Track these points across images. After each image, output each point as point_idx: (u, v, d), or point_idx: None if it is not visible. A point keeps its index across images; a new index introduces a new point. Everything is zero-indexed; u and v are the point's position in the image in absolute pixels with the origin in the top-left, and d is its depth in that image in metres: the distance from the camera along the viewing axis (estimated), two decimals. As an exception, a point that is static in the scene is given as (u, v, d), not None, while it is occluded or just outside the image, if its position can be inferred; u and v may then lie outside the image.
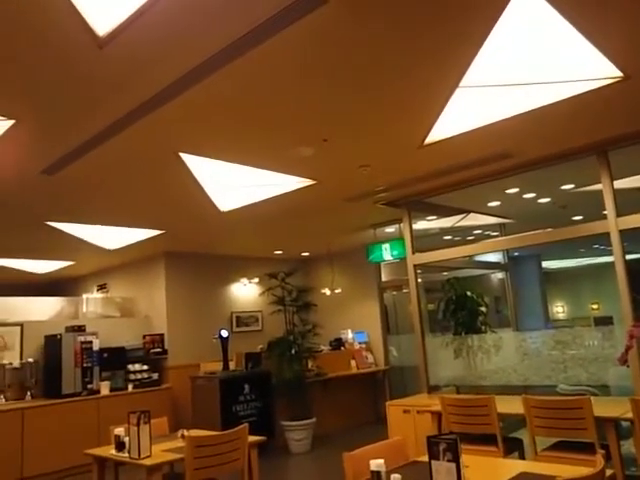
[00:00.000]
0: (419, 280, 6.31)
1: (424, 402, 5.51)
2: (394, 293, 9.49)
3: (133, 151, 4.34)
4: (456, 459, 2.16)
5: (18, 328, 7.35)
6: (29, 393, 7.07)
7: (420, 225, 7.09)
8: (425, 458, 3.04)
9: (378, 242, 7.91)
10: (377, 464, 2.47)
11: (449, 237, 8.53)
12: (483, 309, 6.66)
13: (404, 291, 9.16)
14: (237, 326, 9.17)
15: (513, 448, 4.45)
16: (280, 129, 4.09)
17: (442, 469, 2.20)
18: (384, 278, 9.36)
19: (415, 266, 6.21)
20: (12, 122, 3.64)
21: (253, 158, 4.72)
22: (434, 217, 7.35)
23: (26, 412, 6.64)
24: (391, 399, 6.66)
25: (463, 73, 3.37)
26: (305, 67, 3.19)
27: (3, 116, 3.56)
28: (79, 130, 3.84)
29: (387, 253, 7.76)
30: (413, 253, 6.24)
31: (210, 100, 3.52)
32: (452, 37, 2.97)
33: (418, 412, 5.40)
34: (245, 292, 9.47)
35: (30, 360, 7.22)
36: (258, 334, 9.16)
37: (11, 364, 7.08)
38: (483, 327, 6.57)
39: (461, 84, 3.52)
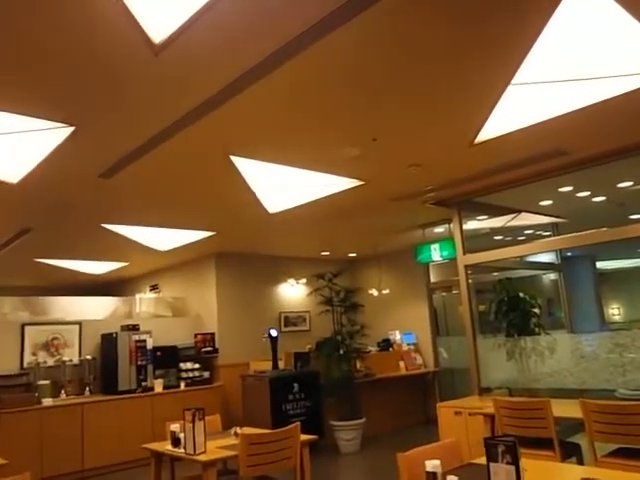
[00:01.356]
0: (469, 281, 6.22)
1: (476, 404, 5.42)
2: (443, 294, 9.37)
3: (185, 155, 4.44)
4: (515, 462, 2.12)
5: (77, 327, 7.64)
6: (87, 389, 7.35)
7: (470, 225, 6.99)
8: (481, 461, 3.02)
9: (427, 242, 7.84)
10: (433, 465, 2.45)
11: (499, 237, 8.37)
12: (536, 310, 6.49)
13: (454, 292, 9.04)
14: (285, 326, 9.25)
15: (571, 453, 4.33)
16: (330, 130, 4.12)
17: (501, 472, 2.16)
18: (433, 279, 9.25)
19: (466, 267, 6.12)
20: (72, 129, 3.79)
21: (302, 160, 4.76)
22: (484, 217, 7.23)
23: (85, 407, 6.90)
24: (441, 401, 6.58)
25: (516, 70, 3.31)
26: (355, 67, 3.20)
27: (64, 123, 3.72)
28: (134, 135, 3.96)
29: (436, 254, 7.67)
30: (464, 254, 6.15)
31: (260, 103, 3.57)
32: (505, 33, 2.92)
33: (470, 414, 5.32)
34: (293, 292, 9.55)
35: (88, 357, 7.49)
36: (306, 334, 9.22)
37: (71, 361, 7.37)
38: (536, 329, 6.42)
39: (513, 81, 3.46)
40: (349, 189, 5.51)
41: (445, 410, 5.66)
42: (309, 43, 2.84)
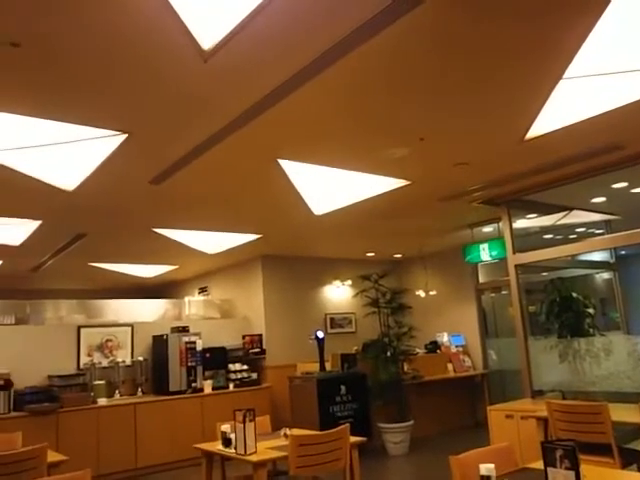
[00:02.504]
0: (519, 281, 6.08)
1: (528, 407, 5.30)
2: (492, 295, 9.19)
3: (233, 159, 4.51)
4: (575, 467, 2.05)
5: (129, 329, 7.85)
6: (140, 389, 7.54)
7: (519, 224, 6.83)
8: (535, 465, 2.95)
9: (476, 242, 7.70)
10: (487, 468, 2.40)
11: (549, 236, 8.15)
12: (591, 311, 6.30)
13: (503, 293, 8.85)
14: (331, 327, 9.25)
15: (630, 460, 4.17)
16: (376, 130, 4.10)
17: (559, 477, 2.10)
18: (481, 279, 9.09)
19: (516, 266, 5.99)
20: (125, 136, 3.90)
21: (349, 161, 4.76)
22: (534, 215, 7.06)
23: (138, 407, 7.08)
24: (490, 404, 6.45)
25: (568, 63, 3.22)
26: (402, 67, 3.17)
27: (117, 130, 3.83)
28: (184, 140, 4.05)
29: (485, 253, 7.53)
30: (514, 253, 6.02)
31: (308, 105, 3.59)
32: (556, 26, 2.84)
33: (522, 418, 5.20)
34: (338, 294, 9.55)
35: (140, 359, 7.68)
36: (352, 336, 9.20)
37: (124, 362, 7.58)
38: (590, 330, 6.22)
39: (565, 75, 3.36)
40: (395, 189, 5.48)
41: (496, 413, 5.55)
42: (356, 45, 2.84)
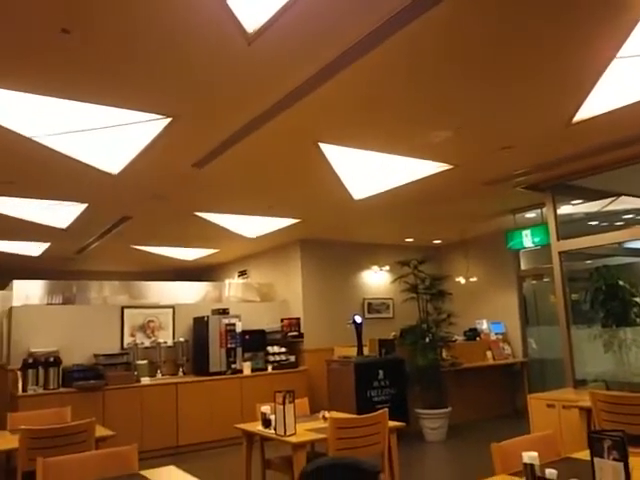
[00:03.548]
0: (562, 268, 5.95)
1: (570, 397, 5.20)
2: (534, 282, 9.01)
3: (275, 143, 4.52)
4: (624, 458, 2.01)
5: (170, 310, 8.02)
6: (181, 370, 7.71)
7: (563, 210, 6.66)
8: (579, 455, 2.90)
9: (518, 228, 7.55)
10: (530, 456, 2.37)
11: (595, 223, 7.92)
12: (638, 300, 6.11)
13: (544, 280, 8.68)
14: (368, 312, 9.25)
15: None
16: (420, 113, 4.04)
17: (607, 468, 2.06)
18: (523, 266, 8.91)
19: (560, 253, 5.85)
20: (169, 120, 3.95)
21: (392, 145, 4.71)
22: (579, 201, 6.86)
23: (179, 387, 7.26)
24: (530, 392, 6.36)
25: (622, 42, 3.10)
26: (447, 47, 3.11)
27: (162, 114, 3.88)
28: (227, 124, 4.07)
29: (528, 240, 7.38)
30: (558, 240, 5.88)
31: (349, 89, 3.56)
32: (610, 4, 2.73)
33: (564, 407, 5.11)
34: (376, 279, 9.52)
35: (181, 340, 7.85)
36: (389, 321, 9.18)
37: (165, 343, 7.75)
38: (638, 319, 6.04)
39: (619, 54, 3.24)
40: (437, 173, 5.40)
41: (536, 402, 5.46)
42: (402, 25, 2.79)
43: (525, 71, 3.41)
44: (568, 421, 4.95)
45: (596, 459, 2.12)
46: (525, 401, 5.59)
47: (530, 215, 7.55)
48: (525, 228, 7.48)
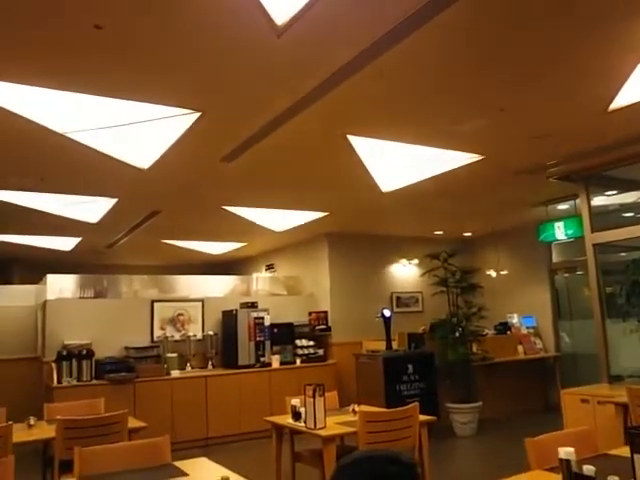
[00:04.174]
0: (595, 261, 5.81)
1: (605, 392, 5.10)
2: (566, 275, 8.83)
3: (302, 136, 4.50)
4: (667, 455, 1.95)
5: (199, 304, 8.09)
6: (210, 362, 7.78)
7: (597, 201, 6.51)
8: (617, 452, 2.83)
9: (550, 220, 7.40)
10: (567, 452, 2.32)
11: (630, 214, 7.71)
12: (677, 293, 5.94)
13: (577, 273, 8.50)
14: (397, 306, 9.19)
15: None
16: (451, 104, 3.98)
17: (649, 465, 2.00)
18: (555, 259, 8.74)
19: (594, 246, 5.72)
20: (199, 114, 3.96)
21: (421, 136, 4.66)
22: (614, 192, 6.70)
23: (209, 379, 7.33)
24: (562, 387, 6.25)
25: (663, 24, 2.99)
26: (480, 34, 3.05)
27: (191, 109, 3.89)
28: (255, 117, 4.07)
29: (560, 232, 7.23)
30: (592, 232, 5.75)
31: (379, 80, 3.52)
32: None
33: (599, 403, 5.00)
34: (405, 273, 9.46)
35: (210, 333, 7.91)
36: (418, 315, 9.12)
37: (195, 336, 7.83)
38: (676, 313, 5.87)
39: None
40: (467, 164, 5.32)
41: (570, 397, 5.36)
42: (432, 16, 2.74)
43: (559, 55, 3.32)
44: (603, 417, 4.85)
45: (636, 456, 2.06)
46: (558, 396, 5.50)
47: (562, 207, 7.40)
48: (557, 220, 7.33)
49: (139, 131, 4.36)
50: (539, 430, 2.99)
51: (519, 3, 2.75)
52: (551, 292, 8.75)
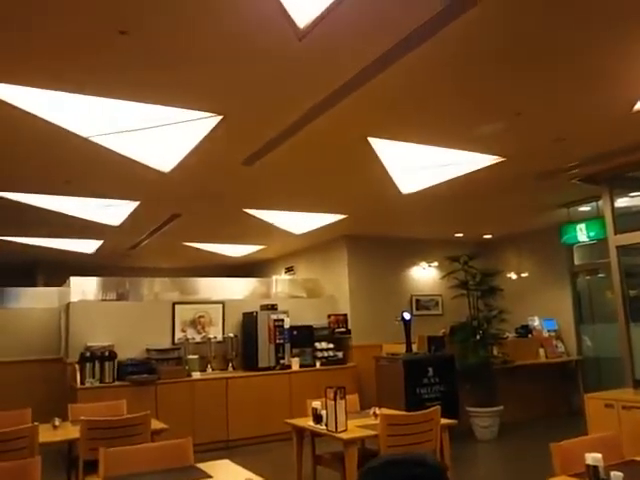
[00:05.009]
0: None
1: (630, 397, 5.03)
2: (588, 278, 8.71)
3: (323, 139, 4.52)
4: (698, 462, 1.91)
5: (220, 306, 8.12)
6: (230, 364, 7.81)
7: (621, 202, 6.42)
8: (643, 458, 2.79)
9: (572, 222, 7.32)
10: (594, 458, 2.30)
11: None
12: (703, 296, 5.83)
13: (599, 275, 8.39)
14: (417, 309, 9.15)
15: None
16: (471, 106, 3.96)
17: (679, 471, 1.97)
18: (577, 261, 8.63)
19: (618, 248, 5.64)
20: (220, 118, 3.99)
21: (442, 138, 4.65)
22: (637, 193, 6.59)
23: (229, 381, 7.36)
24: (585, 392, 6.17)
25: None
26: (499, 37, 3.04)
27: (213, 112, 3.93)
28: (277, 121, 4.09)
29: (582, 234, 7.15)
30: (615, 233, 5.67)
31: (399, 83, 3.52)
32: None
33: (624, 408, 4.93)
34: (425, 275, 9.41)
35: (231, 335, 7.94)
36: (438, 318, 9.06)
37: (215, 338, 7.86)
38: (703, 317, 5.76)
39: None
40: (487, 167, 5.29)
41: (594, 402, 5.28)
42: (453, 18, 2.74)
43: (581, 56, 3.29)
44: (629, 422, 4.77)
45: (666, 462, 2.03)
46: (580, 401, 5.43)
47: (584, 208, 7.31)
48: (579, 222, 7.25)
49: (161, 134, 4.41)
50: (562, 435, 2.96)
51: (537, 8, 2.73)
52: (573, 295, 8.64)
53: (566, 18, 2.86)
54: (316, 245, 9.55)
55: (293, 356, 7.90)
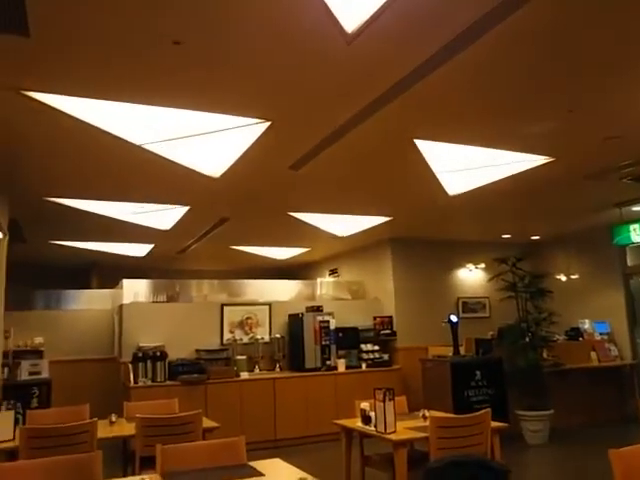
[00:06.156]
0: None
1: (689, 403, 4.84)
2: (642, 279, 8.44)
3: (370, 142, 4.54)
4: None
5: (267, 307, 8.25)
6: (277, 365, 7.91)
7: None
8: None
9: (625, 222, 7.11)
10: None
11: None
12: None
13: (655, 277, 8.12)
14: (463, 312, 9.04)
15: None
16: (522, 103, 3.91)
17: None
18: (630, 263, 8.37)
19: (675, 248, 5.45)
20: (268, 124, 4.07)
21: (490, 139, 4.61)
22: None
23: (276, 382, 7.47)
24: (642, 397, 5.98)
25: None
26: (552, 34, 3.00)
27: (261, 118, 4.01)
28: (324, 125, 4.14)
29: (636, 234, 6.94)
30: (672, 234, 5.49)
31: (447, 84, 3.51)
32: None
33: (683, 414, 4.77)
34: (471, 277, 9.30)
35: (277, 336, 8.05)
36: (485, 321, 8.93)
37: (262, 339, 7.99)
38: None
39: None
40: (536, 167, 5.20)
41: (651, 407, 5.13)
42: (502, 17, 2.73)
43: (635, 53, 3.22)
44: (688, 428, 4.62)
45: None
46: (636, 406, 5.27)
47: (638, 208, 7.09)
48: (633, 222, 7.03)
49: (211, 141, 4.53)
50: (616, 442, 2.88)
51: (591, 5, 2.69)
52: (626, 297, 8.37)
53: (622, 15, 2.81)
54: (360, 247, 9.56)
55: (339, 357, 7.94)
